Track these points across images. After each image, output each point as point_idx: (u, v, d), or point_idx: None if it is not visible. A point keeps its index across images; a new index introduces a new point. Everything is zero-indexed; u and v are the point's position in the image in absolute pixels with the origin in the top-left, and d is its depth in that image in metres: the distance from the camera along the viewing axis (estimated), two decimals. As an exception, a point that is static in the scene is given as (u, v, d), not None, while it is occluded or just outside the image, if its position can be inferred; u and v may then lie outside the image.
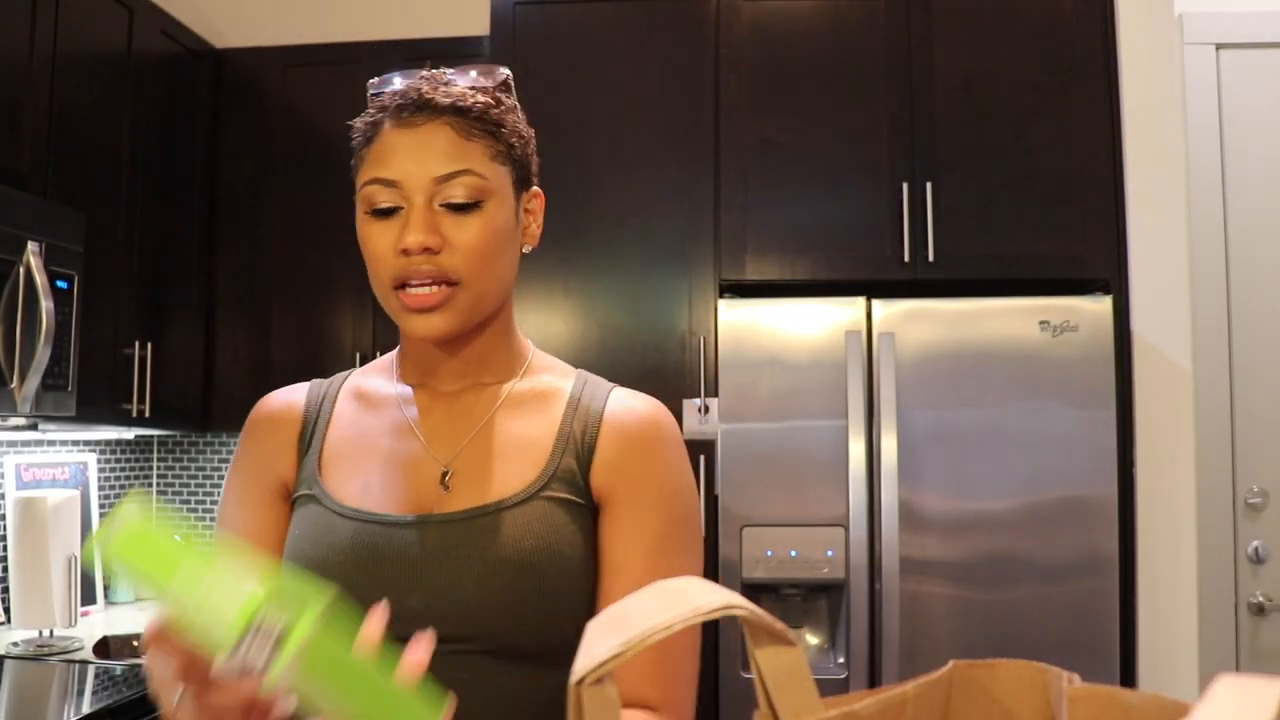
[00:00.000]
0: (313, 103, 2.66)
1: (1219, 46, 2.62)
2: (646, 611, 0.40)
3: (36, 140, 2.06)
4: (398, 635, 0.57)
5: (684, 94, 2.36)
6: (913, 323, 2.15)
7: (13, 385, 1.90)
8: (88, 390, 2.15)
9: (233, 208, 2.67)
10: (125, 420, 2.33)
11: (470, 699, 0.70)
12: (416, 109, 0.85)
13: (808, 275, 2.30)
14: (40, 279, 1.92)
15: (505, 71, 0.91)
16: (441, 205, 0.83)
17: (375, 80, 0.92)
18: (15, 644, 2.10)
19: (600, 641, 0.39)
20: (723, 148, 2.35)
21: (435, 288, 0.82)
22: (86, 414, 2.16)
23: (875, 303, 2.17)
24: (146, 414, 2.38)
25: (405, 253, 0.82)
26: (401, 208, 0.84)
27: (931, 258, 2.26)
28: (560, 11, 2.38)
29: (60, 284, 2.02)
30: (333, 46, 2.68)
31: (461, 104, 0.85)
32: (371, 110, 0.89)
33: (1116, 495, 2.09)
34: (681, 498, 0.86)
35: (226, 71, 2.70)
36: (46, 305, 1.92)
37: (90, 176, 2.23)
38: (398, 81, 0.89)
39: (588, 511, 0.84)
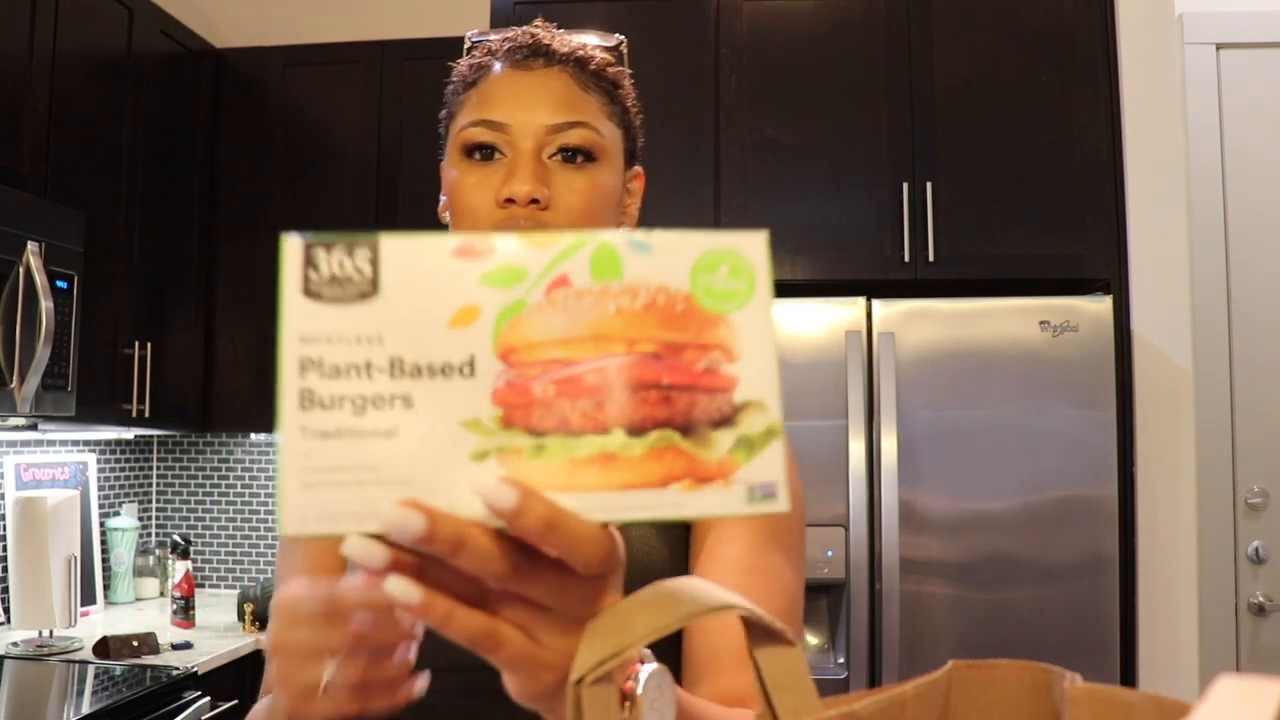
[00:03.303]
0: (313, 102, 2.65)
1: (1219, 46, 2.62)
2: (645, 611, 0.41)
3: (37, 140, 2.06)
4: (479, 664, 0.51)
5: (684, 94, 2.36)
6: (913, 323, 2.15)
7: (13, 385, 1.90)
8: (88, 390, 2.15)
9: (233, 207, 2.67)
10: (125, 420, 2.33)
11: None
12: (532, 53, 0.77)
13: (808, 275, 2.30)
14: (40, 279, 1.92)
15: (621, 38, 0.85)
16: (551, 158, 0.75)
17: (475, 31, 0.84)
18: (15, 644, 2.10)
19: (600, 641, 0.40)
20: (723, 147, 2.35)
21: None
22: (86, 414, 2.16)
23: (875, 303, 2.17)
24: (146, 414, 2.38)
25: (509, 203, 0.73)
26: (504, 154, 0.75)
27: (932, 258, 2.26)
28: (560, 11, 2.37)
29: (60, 284, 2.02)
30: (332, 46, 2.68)
31: (582, 54, 0.78)
32: (476, 54, 0.81)
33: (1117, 495, 2.09)
34: None
35: (226, 71, 2.70)
36: (46, 305, 1.92)
37: (90, 176, 2.23)
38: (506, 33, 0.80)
39: (680, 529, 0.79)
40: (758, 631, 0.43)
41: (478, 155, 0.76)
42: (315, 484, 0.37)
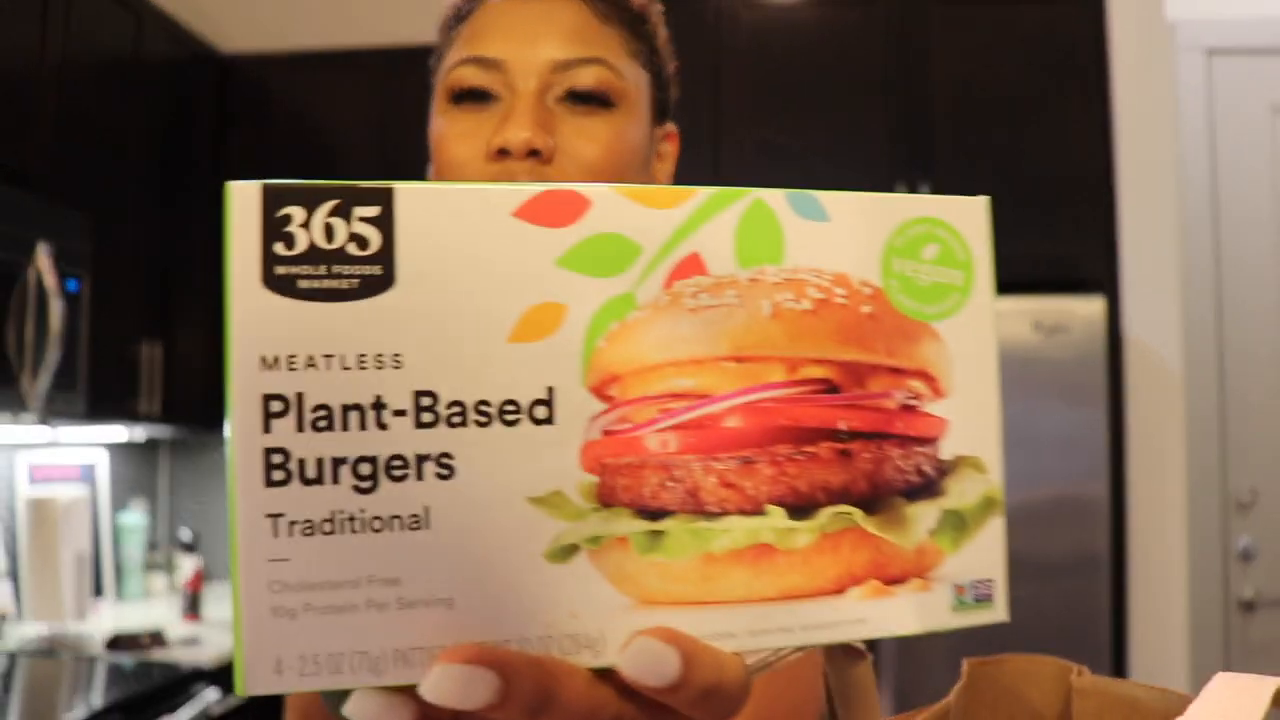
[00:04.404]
0: (318, 107, 2.69)
1: (1211, 52, 2.65)
2: None
3: (46, 143, 2.09)
4: None
5: (685, 98, 2.39)
6: (908, 324, 2.18)
7: (24, 385, 1.93)
8: (98, 390, 2.18)
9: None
10: (135, 419, 2.37)
11: None
12: None
13: (805, 277, 2.33)
14: (50, 280, 1.96)
15: None
16: (558, 101, 0.59)
17: None
18: (26, 640, 2.14)
19: None
20: (723, 151, 2.38)
21: None
22: (96, 413, 2.19)
23: (872, 304, 2.20)
24: (156, 413, 2.41)
25: (501, 154, 0.57)
26: (500, 97, 0.59)
27: (927, 260, 2.29)
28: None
29: (70, 285, 2.05)
30: (338, 53, 2.71)
31: None
32: None
33: (1108, 493, 2.13)
34: None
35: (232, 76, 2.73)
36: (56, 306, 1.96)
37: (99, 179, 2.26)
38: None
39: None
40: (837, 650, 0.39)
41: (468, 101, 0.60)
42: (296, 609, 0.23)
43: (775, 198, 0.27)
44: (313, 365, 0.24)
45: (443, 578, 0.24)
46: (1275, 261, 2.63)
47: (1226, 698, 0.29)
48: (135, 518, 2.65)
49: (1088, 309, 2.15)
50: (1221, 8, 2.65)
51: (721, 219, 0.26)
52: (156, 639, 2.09)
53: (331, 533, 0.24)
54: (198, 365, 2.62)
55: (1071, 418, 2.13)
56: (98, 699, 1.76)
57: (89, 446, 2.61)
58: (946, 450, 0.28)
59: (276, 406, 0.24)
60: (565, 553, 0.25)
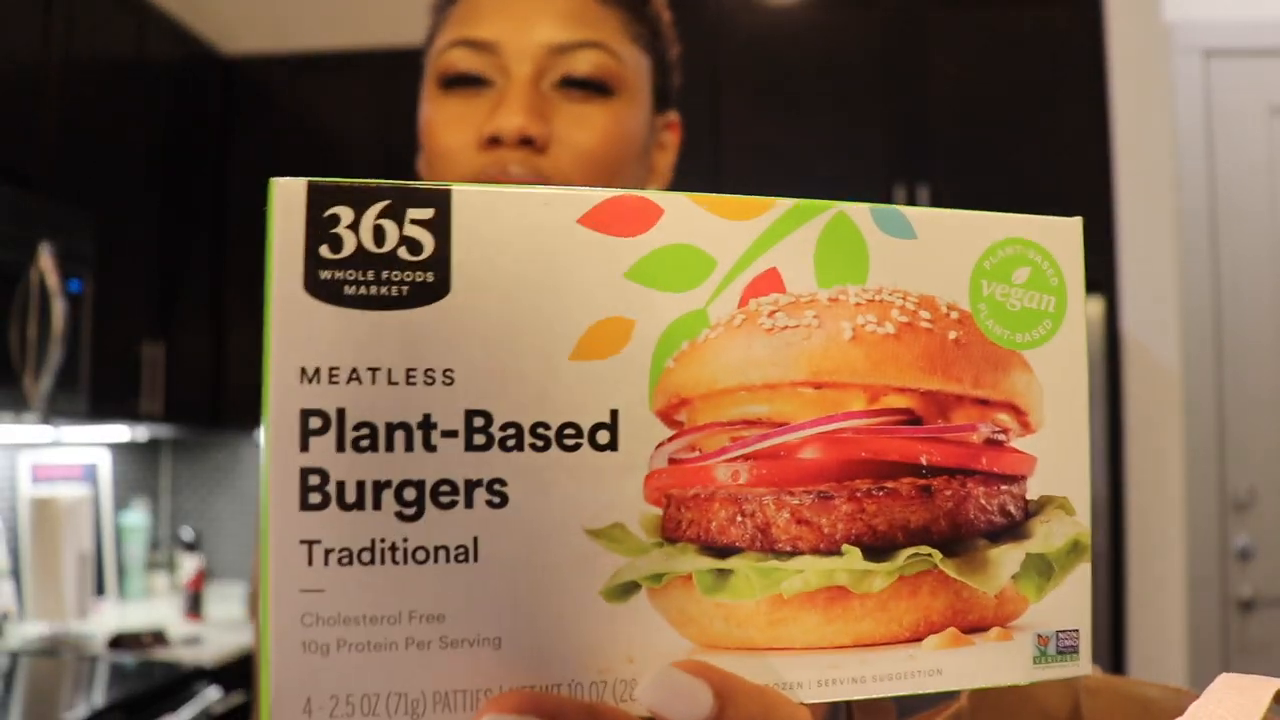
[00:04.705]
0: (322, 107, 2.70)
1: (1208, 54, 2.66)
2: None
3: (49, 144, 2.10)
4: None
5: (683, 98, 2.40)
6: (908, 324, 2.19)
7: (26, 385, 1.94)
8: (100, 390, 2.19)
9: (243, 209, 2.71)
10: (137, 419, 2.37)
11: None
12: None
13: (805, 277, 2.34)
14: (53, 280, 1.96)
15: None
16: (554, 86, 0.56)
17: None
18: (28, 639, 2.14)
19: None
20: (723, 153, 2.39)
21: None
22: (99, 413, 2.20)
23: (871, 304, 2.21)
24: (158, 413, 2.42)
25: (493, 142, 0.55)
26: (493, 82, 0.56)
27: (926, 260, 2.30)
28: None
29: (73, 285, 2.06)
30: (342, 54, 2.72)
31: None
32: None
33: (1107, 493, 2.13)
34: None
35: (236, 77, 2.74)
36: (59, 306, 1.96)
37: (102, 179, 2.27)
38: None
39: None
40: None
41: (459, 87, 0.57)
42: (330, 645, 0.22)
43: (860, 212, 0.25)
44: (356, 379, 0.22)
45: (490, 615, 0.22)
46: (1273, 261, 2.64)
47: (1228, 698, 0.29)
48: (137, 517, 2.66)
49: (1086, 309, 2.16)
50: (1219, 9, 2.66)
51: (802, 233, 0.24)
52: (158, 638, 2.09)
53: (371, 563, 0.22)
54: (200, 365, 2.63)
55: (1070, 417, 2.14)
56: (99, 698, 1.77)
57: (91, 446, 2.62)
58: (1033, 489, 0.25)
59: (316, 423, 0.21)
60: (624, 591, 0.23)
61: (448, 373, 0.22)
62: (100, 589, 2.50)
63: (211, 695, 1.98)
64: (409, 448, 0.22)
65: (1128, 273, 2.27)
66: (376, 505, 0.22)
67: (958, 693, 0.25)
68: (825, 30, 2.41)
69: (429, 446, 0.22)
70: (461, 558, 0.22)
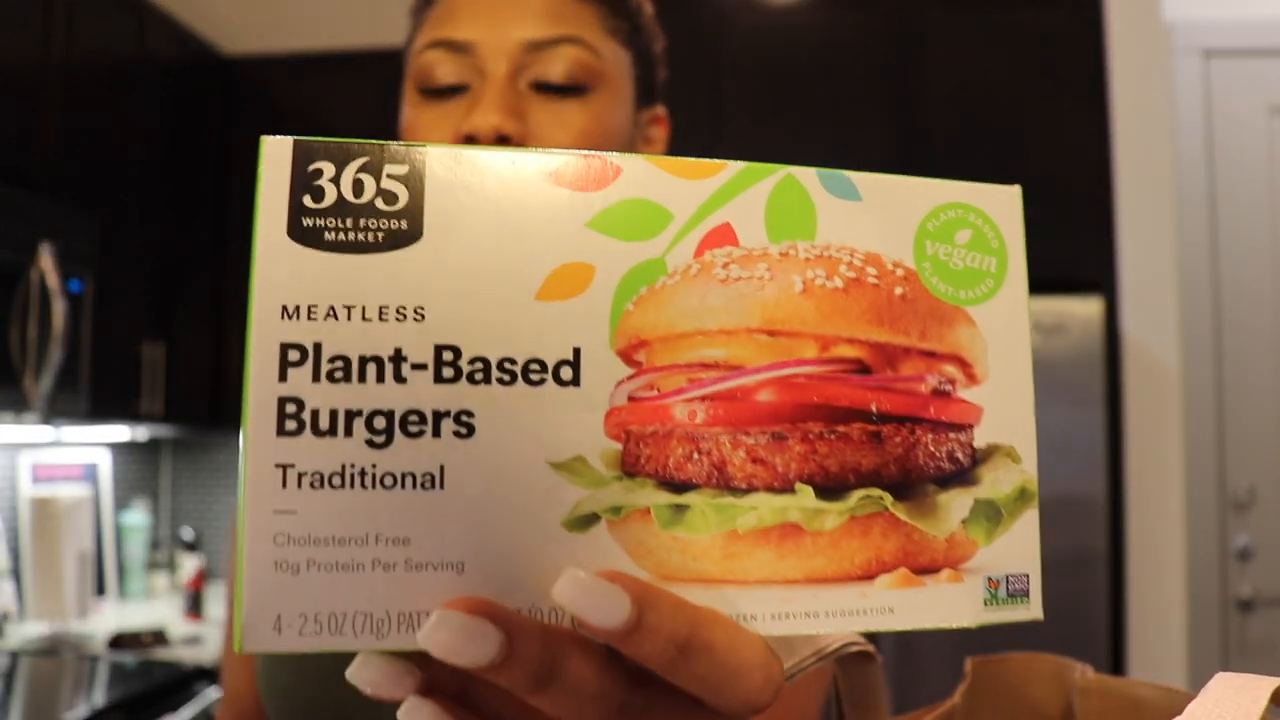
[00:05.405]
0: (321, 108, 2.70)
1: (1208, 54, 2.66)
2: None
3: (49, 144, 2.10)
4: None
5: (684, 103, 2.40)
6: (907, 324, 2.19)
7: (26, 385, 1.94)
8: (100, 390, 2.19)
9: (243, 209, 2.71)
10: (137, 419, 2.38)
11: None
12: None
13: (805, 277, 2.34)
14: (53, 280, 1.97)
15: None
16: (530, 86, 0.56)
17: None
18: (29, 639, 2.14)
19: None
20: (722, 152, 2.39)
21: None
22: (99, 413, 2.20)
23: (871, 304, 2.21)
24: (158, 413, 2.42)
25: (469, 141, 0.53)
26: (470, 86, 0.56)
27: (926, 260, 2.30)
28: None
29: (73, 285, 2.06)
30: (342, 54, 2.72)
31: None
32: None
33: (1106, 492, 2.14)
34: None
35: (236, 77, 2.74)
36: (59, 306, 1.97)
37: (102, 179, 2.27)
38: None
39: None
40: (850, 655, 0.38)
41: (435, 88, 0.57)
42: (300, 564, 0.22)
43: (807, 175, 0.27)
44: (333, 316, 0.23)
45: (454, 541, 0.23)
46: (1272, 261, 2.64)
47: (1225, 697, 0.29)
48: (137, 517, 2.66)
49: (1086, 309, 2.16)
50: (1219, 9, 2.66)
51: (753, 193, 0.26)
52: (158, 638, 2.10)
53: (341, 487, 0.23)
54: (200, 365, 2.63)
55: (1070, 417, 2.14)
56: (100, 698, 1.77)
57: (91, 446, 2.62)
58: (980, 438, 0.27)
59: (294, 356, 0.23)
60: (585, 522, 0.24)
61: (419, 310, 0.23)
62: (100, 589, 2.50)
63: (211, 695, 1.98)
64: (380, 379, 0.23)
65: (1128, 273, 2.27)
66: (348, 432, 0.23)
67: (909, 632, 0.26)
68: (825, 30, 2.41)
69: (399, 378, 0.23)
70: (428, 485, 0.23)
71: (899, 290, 0.26)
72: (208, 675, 2.02)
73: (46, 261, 1.97)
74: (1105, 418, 2.15)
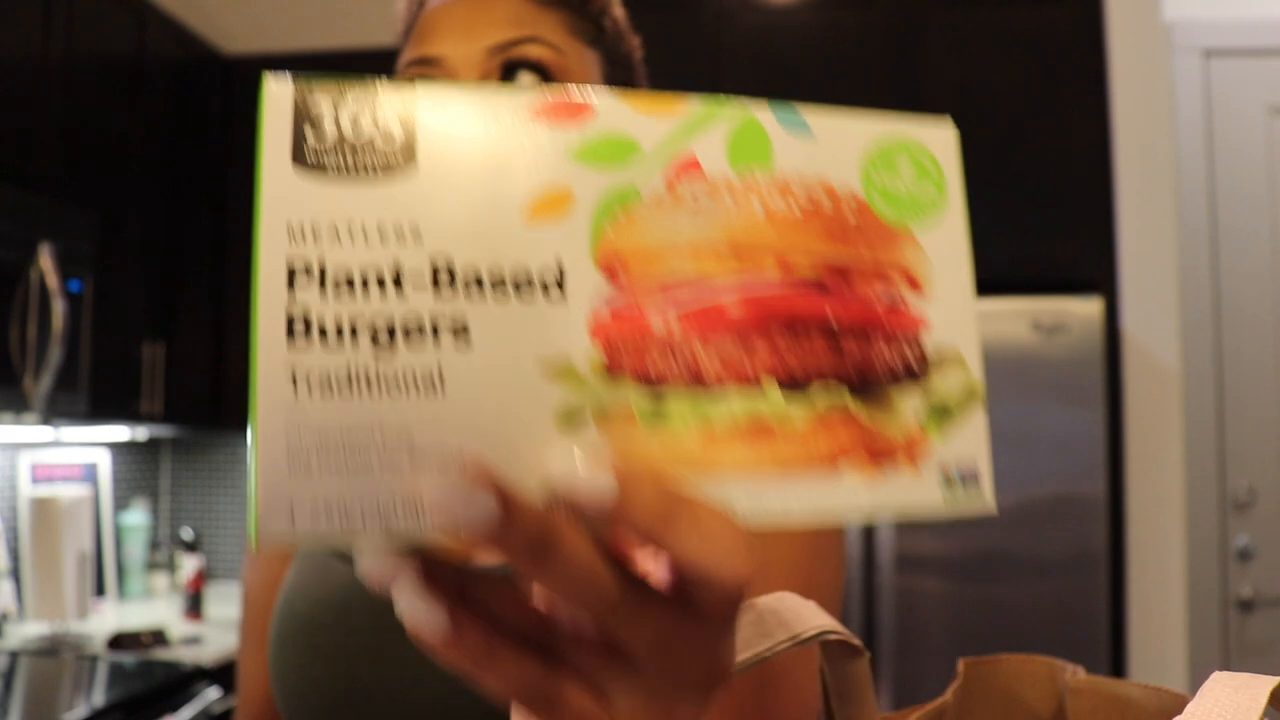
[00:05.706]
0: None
1: (1208, 53, 2.66)
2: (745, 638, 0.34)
3: (50, 144, 2.10)
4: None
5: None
6: (907, 324, 2.19)
7: (26, 385, 1.94)
8: (100, 390, 2.19)
9: (242, 209, 2.71)
10: (137, 419, 2.38)
11: None
12: None
13: (805, 277, 2.34)
14: (52, 280, 1.97)
15: None
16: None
17: None
18: (28, 639, 2.14)
19: None
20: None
21: None
22: (99, 413, 2.20)
23: (871, 304, 2.21)
24: (158, 413, 2.42)
25: None
26: None
27: (926, 260, 2.30)
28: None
29: (73, 285, 2.06)
30: (342, 53, 2.72)
31: None
32: None
33: (1106, 492, 2.14)
34: None
35: (236, 77, 2.74)
36: (59, 306, 1.97)
37: (102, 179, 2.27)
38: None
39: None
40: (836, 647, 0.38)
41: None
42: (311, 465, 0.24)
43: (763, 112, 0.30)
44: (335, 237, 0.25)
45: (454, 441, 0.25)
46: (1272, 261, 2.64)
47: (1224, 697, 0.29)
48: (137, 517, 2.66)
49: (1086, 309, 2.16)
50: (1218, 9, 2.66)
51: (716, 128, 0.29)
52: (158, 638, 2.10)
53: (347, 390, 0.24)
54: (200, 365, 2.63)
55: (1069, 417, 2.14)
56: (99, 698, 1.77)
57: (91, 446, 2.62)
58: (929, 345, 0.30)
59: (300, 271, 0.25)
60: (571, 418, 0.26)
61: (416, 230, 0.26)
62: (100, 589, 2.50)
63: (211, 695, 1.98)
64: (382, 293, 0.25)
65: (1128, 273, 2.27)
66: (353, 341, 0.25)
67: (874, 518, 0.28)
68: (825, 30, 2.41)
69: (399, 292, 0.25)
70: (429, 389, 0.25)
71: (850, 216, 0.29)
72: (207, 675, 2.02)
73: (46, 261, 1.97)
74: (1105, 418, 2.15)
